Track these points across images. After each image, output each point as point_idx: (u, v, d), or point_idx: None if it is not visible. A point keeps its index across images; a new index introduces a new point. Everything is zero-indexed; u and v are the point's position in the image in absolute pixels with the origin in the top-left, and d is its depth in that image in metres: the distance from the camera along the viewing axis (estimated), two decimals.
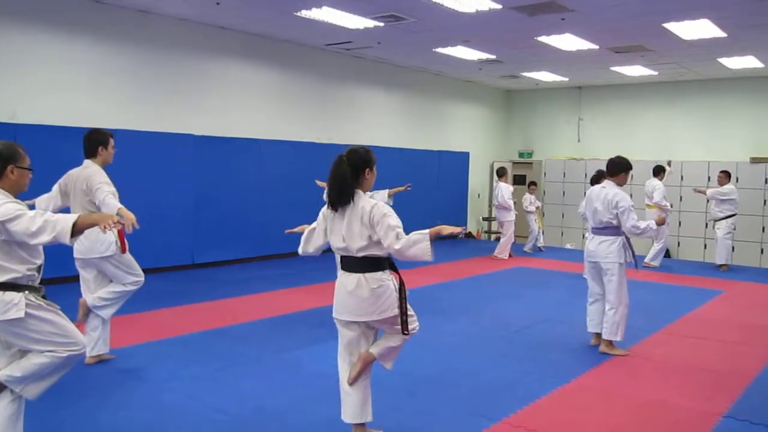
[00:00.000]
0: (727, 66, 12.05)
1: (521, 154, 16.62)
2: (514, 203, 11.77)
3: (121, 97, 9.02)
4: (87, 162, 5.01)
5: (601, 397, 4.75)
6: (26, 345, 3.19)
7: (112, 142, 5.06)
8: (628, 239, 5.91)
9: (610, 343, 5.83)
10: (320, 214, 3.73)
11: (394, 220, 3.48)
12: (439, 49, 11.32)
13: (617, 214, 5.71)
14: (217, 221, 9.90)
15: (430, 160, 13.97)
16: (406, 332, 3.60)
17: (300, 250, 3.83)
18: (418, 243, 3.40)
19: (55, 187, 5.09)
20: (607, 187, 5.88)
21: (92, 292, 5.02)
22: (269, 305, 7.42)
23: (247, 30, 10.30)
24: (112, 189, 4.87)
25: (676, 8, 8.32)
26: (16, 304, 3.11)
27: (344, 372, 3.65)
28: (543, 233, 13.46)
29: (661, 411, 4.47)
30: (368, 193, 6.24)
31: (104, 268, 5.00)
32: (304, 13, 8.90)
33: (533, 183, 13.22)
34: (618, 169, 5.92)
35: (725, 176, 11.06)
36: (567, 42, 10.34)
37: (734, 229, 11.25)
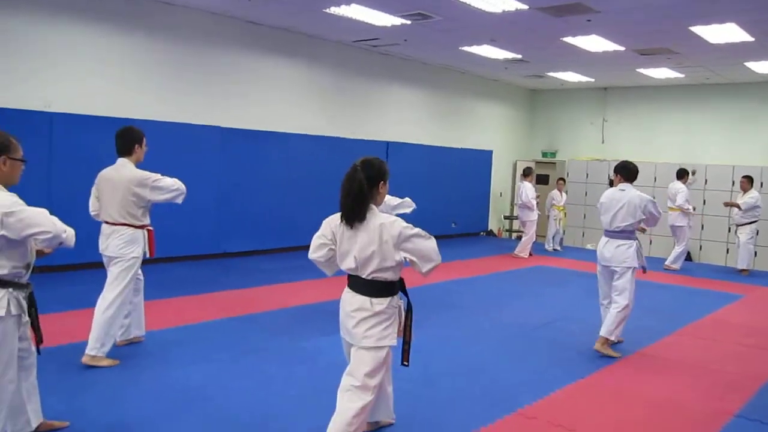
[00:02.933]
0: (754, 70, 11.99)
1: (544, 154, 16.64)
2: (537, 203, 11.85)
3: (151, 88, 9.24)
4: (122, 161, 4.93)
5: (613, 394, 4.84)
6: None
7: (145, 140, 5.03)
8: (639, 244, 5.94)
9: (606, 341, 5.80)
10: (326, 226, 3.47)
11: (432, 243, 3.32)
12: (465, 48, 11.41)
13: (643, 217, 5.79)
14: (243, 212, 10.10)
15: (453, 158, 14.06)
16: (406, 363, 3.46)
17: (310, 256, 3.55)
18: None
19: (93, 190, 5.07)
20: (627, 189, 5.89)
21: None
22: (292, 295, 7.59)
23: (277, 25, 10.47)
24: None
25: (703, 12, 8.33)
26: None
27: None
28: (564, 233, 13.50)
29: (673, 409, 4.56)
30: (396, 200, 6.36)
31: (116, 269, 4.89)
32: (333, 10, 9.05)
33: (561, 179, 13.26)
34: (635, 174, 6.04)
35: (747, 181, 11.02)
36: (593, 43, 10.37)
37: (757, 234, 11.23)
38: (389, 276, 3.31)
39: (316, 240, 3.51)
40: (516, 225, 15.33)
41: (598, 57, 11.43)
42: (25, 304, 3.21)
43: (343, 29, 10.40)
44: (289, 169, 10.74)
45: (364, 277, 3.31)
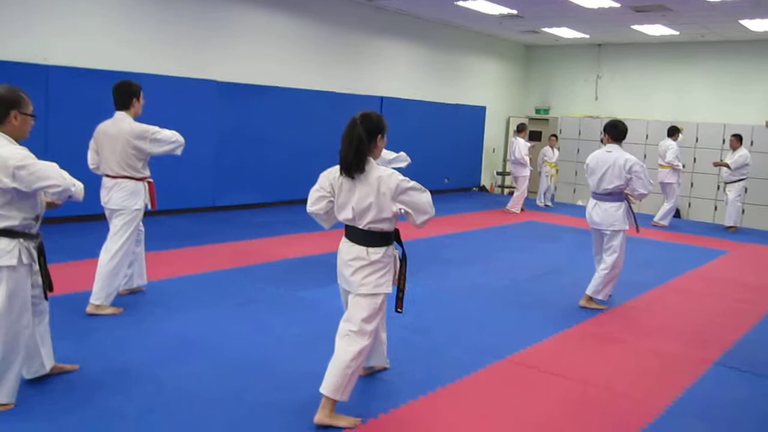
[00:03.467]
0: (749, 28, 12.02)
1: (538, 110, 16.70)
2: (530, 159, 11.96)
3: (147, 42, 9.21)
4: (120, 114, 4.95)
5: (599, 342, 5.05)
6: None
7: (142, 93, 5.03)
8: (629, 203, 5.92)
9: (591, 299, 5.93)
10: (324, 179, 3.55)
11: (427, 196, 3.43)
12: (461, 3, 11.36)
13: (630, 178, 5.66)
14: (238, 166, 10.18)
15: (447, 113, 14.11)
16: (399, 310, 3.59)
17: (309, 209, 3.65)
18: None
19: (92, 144, 5.09)
20: (614, 151, 5.76)
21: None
22: (289, 248, 7.73)
23: None
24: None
25: None
26: (8, 252, 3.19)
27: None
28: (555, 189, 13.66)
29: (655, 356, 4.77)
30: (392, 154, 6.44)
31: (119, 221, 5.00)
32: None
33: (554, 135, 13.37)
34: (624, 134, 5.86)
35: (737, 140, 11.15)
36: None
37: (745, 191, 11.42)
38: (385, 226, 3.42)
39: (314, 193, 3.60)
40: (508, 181, 15.48)
41: (594, 13, 11.42)
42: (35, 253, 3.35)
43: None
44: (284, 123, 10.80)
45: (361, 227, 3.42)
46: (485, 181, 16.03)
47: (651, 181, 5.80)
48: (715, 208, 13.01)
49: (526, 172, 11.91)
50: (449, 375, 4.15)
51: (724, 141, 12.81)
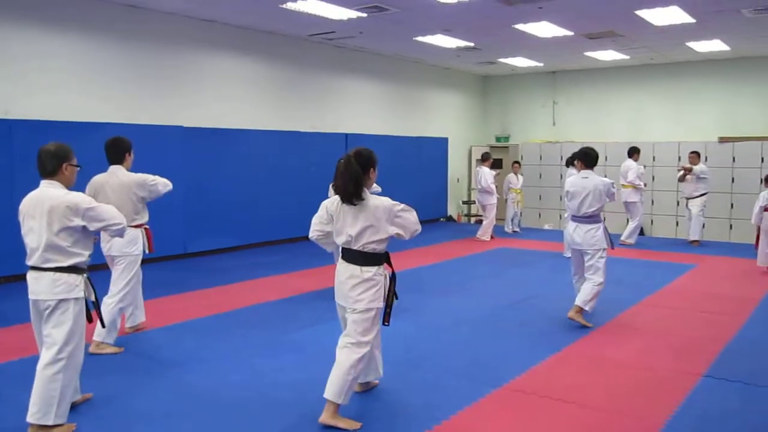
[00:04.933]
0: (695, 49, 12.51)
1: (498, 139, 17.00)
2: (495, 187, 12.16)
3: (111, 91, 9.16)
4: (114, 168, 5.36)
5: (590, 362, 5.13)
6: (55, 332, 3.62)
7: (132, 148, 5.50)
8: (604, 225, 6.33)
9: (580, 310, 6.15)
10: (323, 209, 4.07)
11: (414, 215, 3.93)
12: (419, 38, 11.59)
13: (608, 200, 6.19)
14: (208, 210, 10.11)
15: (410, 146, 14.29)
16: (386, 323, 4.01)
17: (311, 236, 4.18)
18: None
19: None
20: (590, 176, 6.24)
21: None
22: (267, 290, 7.69)
23: (233, 22, 10.47)
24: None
25: None
26: (77, 285, 3.68)
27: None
28: (521, 215, 13.87)
29: (647, 373, 4.86)
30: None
31: (121, 266, 5.35)
32: (290, 5, 9.11)
33: (517, 162, 13.62)
34: (595, 160, 6.40)
35: (696, 156, 11.56)
36: (543, 29, 10.68)
37: (705, 206, 11.79)
38: (378, 248, 3.88)
39: (315, 220, 4.14)
40: (474, 209, 15.67)
41: (548, 42, 11.75)
42: (90, 288, 3.81)
43: (298, 24, 10.46)
44: (252, 165, 10.79)
45: (356, 248, 3.86)
46: (452, 210, 16.19)
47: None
48: (677, 223, 13.34)
49: (493, 200, 12.10)
50: (451, 407, 4.16)
51: (680, 158, 13.20)
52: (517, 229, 13.32)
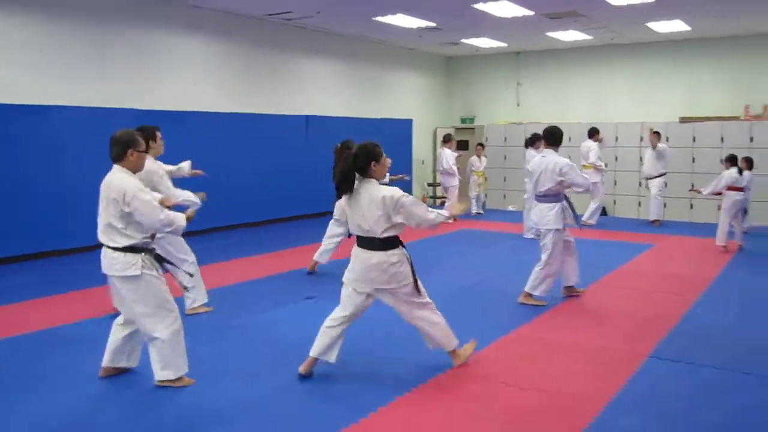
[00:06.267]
0: (655, 30, 12.52)
1: (463, 120, 16.93)
2: (458, 168, 12.12)
3: (59, 72, 8.87)
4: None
5: (539, 344, 5.11)
6: (132, 305, 4.00)
7: (159, 134, 5.94)
8: (569, 202, 6.28)
9: (528, 295, 6.22)
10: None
11: (420, 209, 4.15)
12: (379, 18, 11.44)
13: (561, 180, 6.07)
14: None
15: (373, 128, 14.14)
16: (418, 292, 4.37)
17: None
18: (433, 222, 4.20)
19: None
20: (548, 155, 6.22)
21: None
22: (216, 276, 7.56)
23: (186, 1, 10.22)
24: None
25: None
26: (134, 264, 3.93)
27: (335, 311, 4.40)
28: (486, 196, 13.87)
29: (594, 353, 4.86)
30: None
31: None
32: None
33: (480, 144, 13.59)
34: (558, 139, 6.29)
35: (656, 136, 11.63)
36: (503, 8, 10.59)
37: (665, 186, 11.89)
38: (394, 233, 4.17)
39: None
40: (439, 191, 15.62)
41: (510, 22, 11.67)
42: (156, 263, 4.12)
43: (254, 3, 10.24)
44: (210, 148, 10.57)
45: (377, 236, 4.13)
46: (416, 192, 16.13)
47: (585, 175, 6.14)
48: (639, 203, 13.42)
49: (456, 181, 12.06)
50: (389, 394, 4.10)
51: (641, 139, 13.25)
52: (482, 211, 13.33)
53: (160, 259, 4.23)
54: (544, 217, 6.19)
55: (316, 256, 7.58)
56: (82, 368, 4.52)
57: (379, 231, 4.13)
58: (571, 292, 6.55)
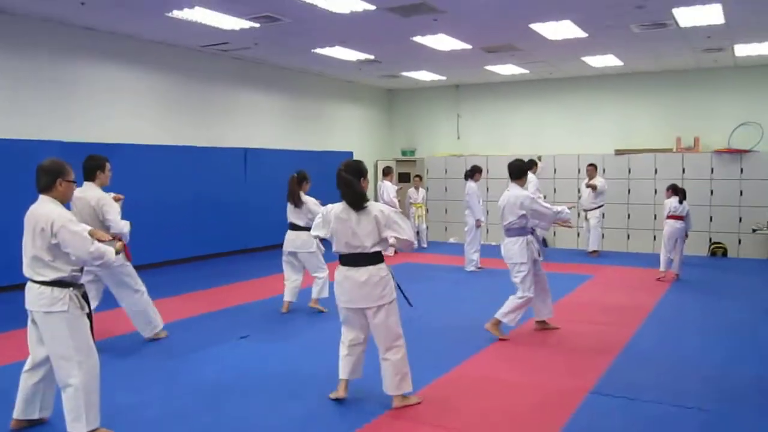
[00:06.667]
0: (590, 64, 12.78)
1: (404, 152, 16.92)
2: (399, 201, 12.02)
3: None
4: (87, 185, 5.69)
5: (479, 383, 4.95)
6: (52, 344, 3.76)
7: (108, 165, 5.82)
8: (536, 236, 6.27)
9: (497, 323, 6.11)
10: (326, 212, 4.42)
11: (409, 227, 4.38)
12: (318, 50, 11.34)
13: (523, 214, 6.01)
14: None
15: (314, 161, 13.92)
16: (411, 305, 4.67)
17: (314, 233, 4.55)
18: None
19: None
20: (512, 189, 6.19)
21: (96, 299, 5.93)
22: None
23: (117, 31, 9.90)
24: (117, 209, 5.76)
25: (540, 10, 8.74)
26: (60, 299, 3.74)
27: (344, 335, 4.53)
28: (427, 228, 13.79)
29: (533, 391, 4.72)
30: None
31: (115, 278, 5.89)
32: (176, 14, 8.67)
33: (418, 176, 13.55)
34: (519, 172, 6.24)
35: (593, 169, 11.82)
36: (441, 42, 10.63)
37: (603, 217, 12.04)
38: (380, 248, 4.31)
39: (315, 224, 4.55)
40: None
41: (448, 55, 11.73)
42: (83, 301, 3.88)
43: (189, 34, 10.00)
44: (142, 183, 10.18)
45: (364, 252, 4.26)
46: None
47: (550, 206, 6.12)
48: (578, 234, 13.56)
49: None
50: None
51: (579, 170, 13.45)
52: (424, 245, 13.18)
53: (86, 297, 3.99)
54: (509, 251, 6.15)
55: (288, 297, 7.38)
56: None
57: (370, 245, 4.24)
58: (543, 326, 6.47)
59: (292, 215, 7.38)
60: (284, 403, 4.48)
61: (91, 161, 5.75)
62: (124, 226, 5.67)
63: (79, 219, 5.34)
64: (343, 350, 4.50)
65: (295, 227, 7.33)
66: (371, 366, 4.64)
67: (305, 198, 7.33)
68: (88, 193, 5.65)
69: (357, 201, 4.26)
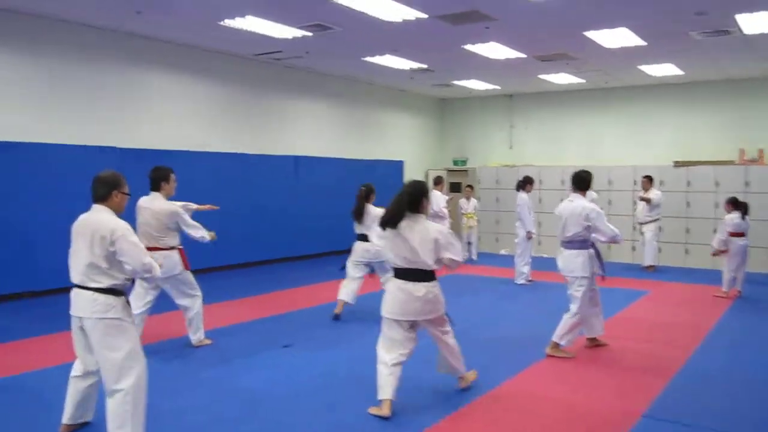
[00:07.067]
0: (648, 73, 12.43)
1: (455, 162, 16.77)
2: (449, 211, 11.87)
3: (39, 108, 8.69)
4: (154, 194, 6.00)
5: (526, 401, 4.78)
6: (103, 351, 3.76)
7: (173, 176, 6.12)
8: (597, 250, 6.03)
9: (556, 345, 5.93)
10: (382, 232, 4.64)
11: (458, 246, 4.59)
12: (368, 58, 11.33)
13: (588, 226, 5.80)
14: None
15: (364, 169, 13.94)
16: (450, 323, 4.85)
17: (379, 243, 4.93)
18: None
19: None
20: (575, 200, 5.95)
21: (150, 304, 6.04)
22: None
23: (172, 40, 10.09)
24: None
25: (595, 17, 8.53)
26: (114, 306, 3.78)
27: (385, 355, 4.55)
28: (479, 240, 13.57)
29: (584, 413, 4.53)
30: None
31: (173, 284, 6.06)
32: (228, 23, 8.78)
33: (469, 186, 13.38)
34: (585, 183, 6.03)
35: (648, 181, 11.46)
36: (493, 50, 10.48)
37: (660, 231, 11.66)
38: (436, 266, 4.50)
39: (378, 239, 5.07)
40: None
41: (500, 64, 11.58)
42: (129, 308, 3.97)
43: (242, 42, 10.12)
44: (196, 189, 10.29)
45: (425, 269, 4.45)
46: None
47: (612, 227, 5.84)
48: (633, 248, 13.18)
49: (446, 224, 11.78)
50: None
51: (635, 182, 13.07)
52: (474, 257, 12.94)
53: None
54: (570, 263, 5.94)
55: (344, 297, 7.45)
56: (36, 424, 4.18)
57: (431, 262, 4.42)
58: (594, 343, 6.27)
59: (359, 228, 7.50)
60: (325, 413, 4.41)
61: (157, 172, 6.01)
62: (197, 231, 6.18)
63: (144, 227, 5.95)
64: (384, 370, 4.47)
65: (363, 238, 7.45)
66: (410, 381, 4.54)
67: (369, 209, 7.46)
68: (155, 203, 5.91)
69: (391, 220, 4.46)
